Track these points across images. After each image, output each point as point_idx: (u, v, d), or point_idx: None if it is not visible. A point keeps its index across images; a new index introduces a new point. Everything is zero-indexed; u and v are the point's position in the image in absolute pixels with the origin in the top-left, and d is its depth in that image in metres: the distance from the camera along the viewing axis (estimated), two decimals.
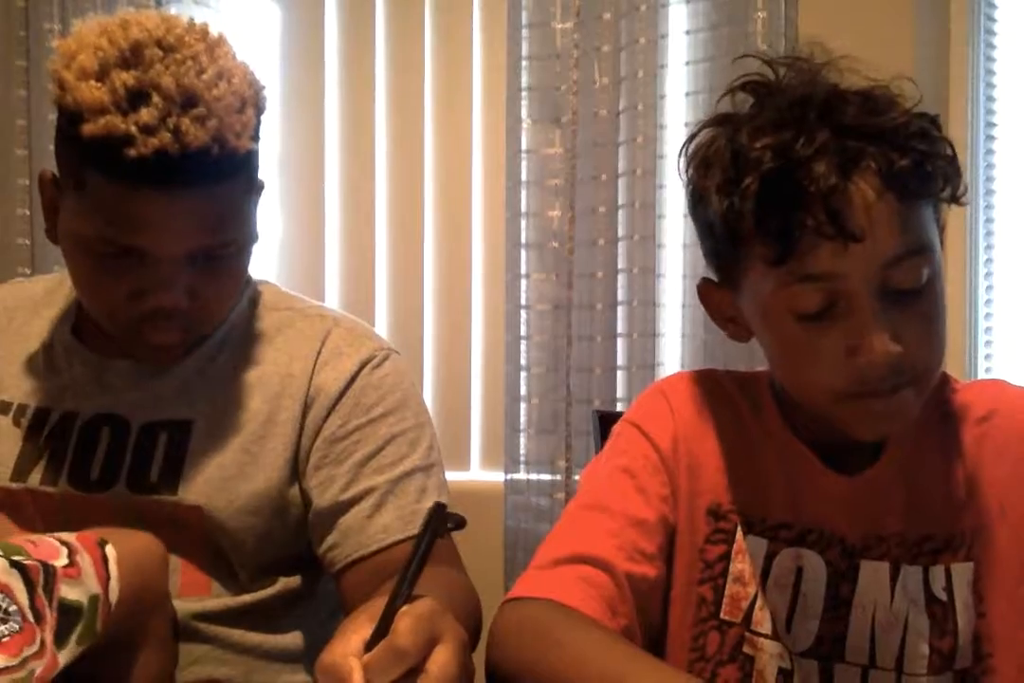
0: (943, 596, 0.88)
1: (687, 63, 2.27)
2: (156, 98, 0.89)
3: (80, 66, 0.90)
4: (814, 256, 0.80)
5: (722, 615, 0.92)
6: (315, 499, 1.03)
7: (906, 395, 0.84)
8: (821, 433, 0.92)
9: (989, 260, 2.24)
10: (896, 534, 0.90)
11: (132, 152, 0.88)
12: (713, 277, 0.93)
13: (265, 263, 2.53)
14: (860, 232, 0.79)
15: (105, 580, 0.78)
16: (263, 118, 0.98)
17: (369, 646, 0.64)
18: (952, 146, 0.84)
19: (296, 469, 1.05)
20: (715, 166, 0.85)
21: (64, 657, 0.72)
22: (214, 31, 0.98)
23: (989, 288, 2.24)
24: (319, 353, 1.07)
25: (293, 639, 1.08)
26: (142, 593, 0.83)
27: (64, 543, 0.77)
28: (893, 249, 0.81)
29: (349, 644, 0.64)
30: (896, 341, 0.81)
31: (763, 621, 0.90)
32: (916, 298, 0.83)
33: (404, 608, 0.65)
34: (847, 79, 0.86)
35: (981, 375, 2.22)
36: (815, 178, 0.79)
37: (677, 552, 0.93)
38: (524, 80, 2.31)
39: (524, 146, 2.32)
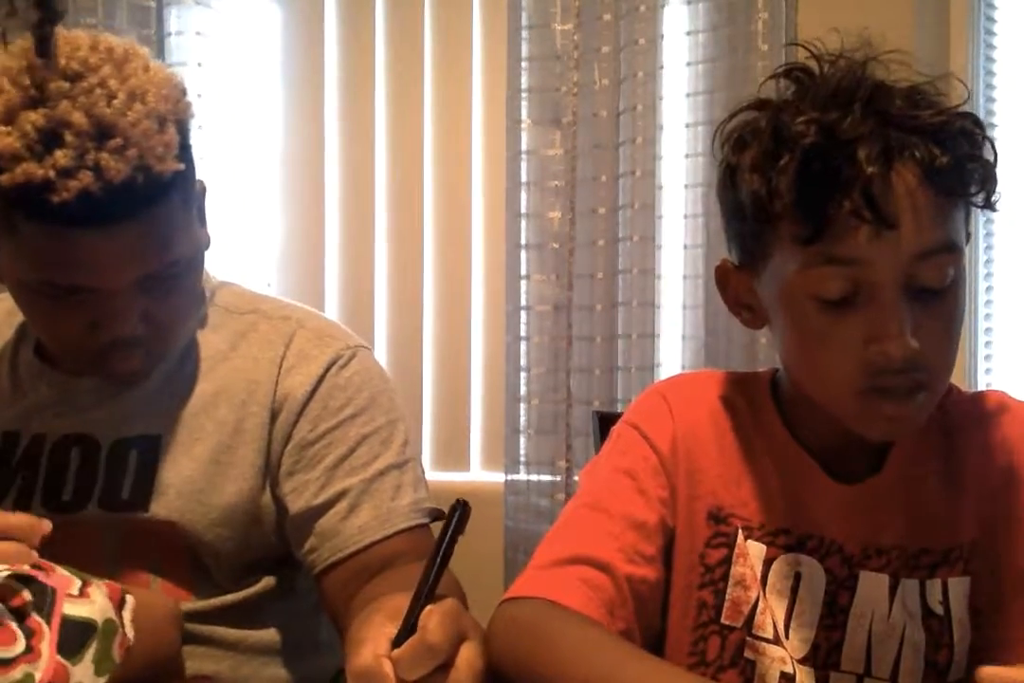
0: (939, 610, 0.87)
1: (687, 64, 2.27)
2: (69, 136, 0.85)
3: None
4: (845, 239, 0.79)
5: (723, 619, 0.91)
6: (290, 505, 1.02)
7: (920, 399, 0.82)
8: (823, 437, 0.91)
9: (989, 260, 2.24)
10: (896, 546, 0.89)
11: (55, 198, 0.85)
12: (734, 260, 0.91)
13: (265, 264, 2.53)
14: (895, 220, 0.78)
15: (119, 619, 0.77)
16: (191, 126, 0.94)
17: (396, 643, 0.64)
18: (995, 148, 0.84)
19: (268, 477, 1.04)
20: (752, 144, 0.84)
21: (80, 673, 0.71)
22: (120, 43, 0.92)
23: (989, 289, 2.24)
24: (283, 357, 1.05)
25: (276, 633, 1.07)
26: (155, 647, 0.82)
27: (81, 578, 0.76)
28: (926, 242, 0.80)
29: (378, 645, 0.64)
30: (915, 337, 0.79)
31: (765, 625, 0.89)
32: (939, 299, 0.81)
33: (430, 607, 0.66)
34: (894, 73, 0.85)
35: (981, 379, 2.21)
36: (857, 162, 0.78)
37: (676, 556, 0.92)
38: (524, 81, 2.32)
39: (524, 147, 2.32)
